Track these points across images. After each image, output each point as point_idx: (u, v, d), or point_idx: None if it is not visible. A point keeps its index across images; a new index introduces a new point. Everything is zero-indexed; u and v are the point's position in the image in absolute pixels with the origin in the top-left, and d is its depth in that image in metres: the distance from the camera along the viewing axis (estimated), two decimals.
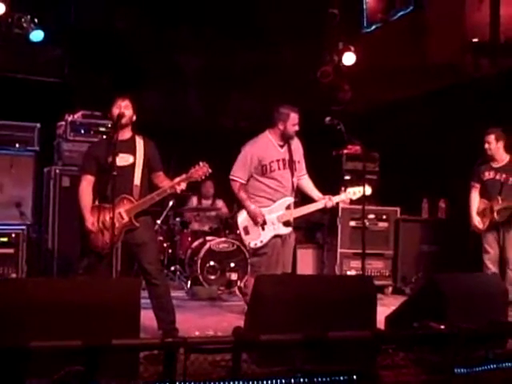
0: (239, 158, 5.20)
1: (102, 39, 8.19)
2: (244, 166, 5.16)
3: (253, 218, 5.09)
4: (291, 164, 5.17)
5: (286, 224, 5.14)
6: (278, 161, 5.13)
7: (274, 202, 5.14)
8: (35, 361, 2.86)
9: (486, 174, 6.08)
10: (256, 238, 5.12)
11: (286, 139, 5.17)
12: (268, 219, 5.10)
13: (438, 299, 3.91)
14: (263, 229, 5.10)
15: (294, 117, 5.10)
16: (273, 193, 5.14)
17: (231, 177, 5.20)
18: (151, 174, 4.58)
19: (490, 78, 7.13)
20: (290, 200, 5.17)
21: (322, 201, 5.19)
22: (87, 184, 4.52)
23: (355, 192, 5.27)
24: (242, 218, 5.19)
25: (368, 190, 5.30)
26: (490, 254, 6.01)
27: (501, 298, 4.32)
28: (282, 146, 5.19)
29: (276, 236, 5.12)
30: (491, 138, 6.02)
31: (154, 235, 4.84)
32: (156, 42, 8.49)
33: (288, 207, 5.15)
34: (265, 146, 5.17)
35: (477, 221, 6.09)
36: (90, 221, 4.39)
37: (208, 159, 4.51)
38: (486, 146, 6.04)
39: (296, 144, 5.26)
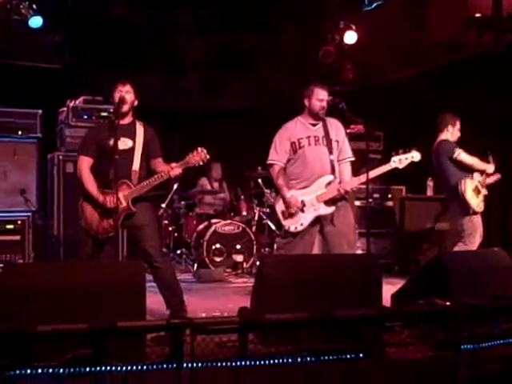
0: (272, 144, 5.03)
1: (100, 23, 8.14)
2: (276, 148, 4.98)
3: (287, 206, 4.85)
4: (328, 142, 4.89)
5: (328, 203, 4.80)
6: (308, 137, 4.89)
7: (311, 182, 4.84)
8: (42, 344, 2.88)
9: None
10: (296, 222, 4.83)
11: (315, 117, 4.93)
12: (307, 201, 4.80)
13: (444, 276, 3.90)
14: (303, 211, 4.81)
15: (317, 91, 4.89)
16: (308, 173, 4.86)
17: (268, 162, 5.03)
18: (150, 160, 4.56)
19: (492, 54, 7.06)
20: (330, 178, 4.83)
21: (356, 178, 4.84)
22: (87, 165, 4.47)
23: (401, 160, 4.73)
24: (280, 202, 4.96)
25: (417, 156, 4.74)
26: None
27: (507, 273, 4.31)
28: (314, 125, 4.95)
29: (317, 219, 4.83)
30: None
31: (153, 218, 4.75)
32: (155, 25, 8.42)
33: (328, 185, 4.82)
34: (293, 126, 4.99)
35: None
36: (101, 199, 4.35)
37: (209, 142, 4.49)
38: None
39: (335, 124, 4.99)
